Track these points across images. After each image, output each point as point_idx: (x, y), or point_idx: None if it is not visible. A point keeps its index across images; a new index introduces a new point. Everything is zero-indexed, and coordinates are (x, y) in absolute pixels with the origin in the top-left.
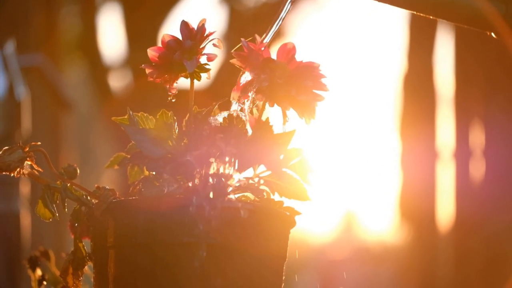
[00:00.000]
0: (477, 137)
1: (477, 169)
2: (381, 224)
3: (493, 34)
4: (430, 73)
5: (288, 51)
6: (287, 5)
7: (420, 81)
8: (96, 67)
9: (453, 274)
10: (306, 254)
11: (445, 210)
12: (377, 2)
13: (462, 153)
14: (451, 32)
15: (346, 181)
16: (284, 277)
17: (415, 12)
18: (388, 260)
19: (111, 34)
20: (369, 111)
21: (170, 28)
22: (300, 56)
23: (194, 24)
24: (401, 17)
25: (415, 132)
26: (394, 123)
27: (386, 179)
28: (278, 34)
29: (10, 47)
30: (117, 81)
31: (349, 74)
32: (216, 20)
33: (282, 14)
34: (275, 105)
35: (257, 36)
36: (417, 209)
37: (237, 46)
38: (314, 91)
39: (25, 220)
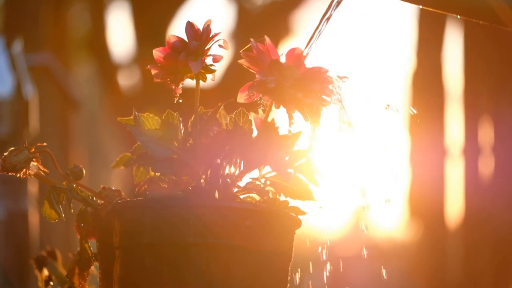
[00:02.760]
0: (486, 134)
1: (486, 165)
2: (391, 221)
3: None
4: (439, 70)
5: (297, 54)
6: (334, 5)
7: (429, 78)
8: (104, 65)
9: (462, 270)
10: (315, 251)
11: (454, 207)
12: None
13: (471, 150)
14: (460, 29)
15: (355, 178)
16: (289, 277)
17: (425, 7)
18: (398, 256)
19: (120, 32)
20: (377, 108)
21: (179, 25)
22: (309, 58)
23: (200, 25)
24: (410, 14)
25: (424, 129)
26: (403, 120)
27: (396, 176)
28: (287, 31)
29: (18, 46)
30: (125, 79)
31: (358, 71)
32: (224, 18)
33: (328, 13)
34: (281, 107)
35: (266, 38)
36: (427, 206)
37: (246, 47)
38: (321, 95)
39: (33, 218)
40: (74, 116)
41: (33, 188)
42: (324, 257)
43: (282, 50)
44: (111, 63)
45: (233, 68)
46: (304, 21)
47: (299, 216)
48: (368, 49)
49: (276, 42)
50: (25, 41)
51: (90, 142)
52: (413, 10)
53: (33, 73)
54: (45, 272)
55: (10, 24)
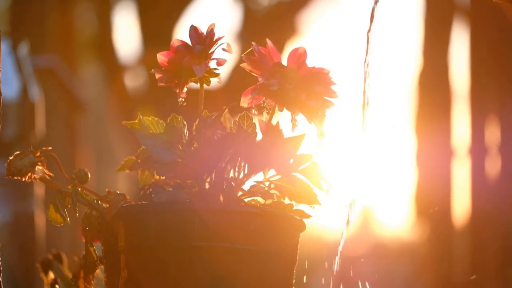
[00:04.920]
0: (493, 134)
1: (493, 165)
2: (398, 220)
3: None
4: (446, 69)
5: (299, 56)
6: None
7: (435, 77)
8: (111, 67)
9: (469, 270)
10: (322, 251)
11: (461, 206)
12: None
13: (478, 150)
14: (466, 28)
15: (362, 178)
16: (294, 281)
17: None
18: (405, 256)
19: (126, 34)
20: (385, 108)
21: (185, 26)
22: (312, 57)
23: (204, 28)
24: (416, 13)
25: (430, 129)
26: (410, 120)
27: (402, 176)
28: (293, 32)
29: (24, 48)
30: (131, 81)
31: (364, 71)
32: (230, 19)
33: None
34: (285, 109)
35: (268, 40)
36: (433, 205)
37: (248, 50)
38: (324, 97)
39: (40, 220)
40: (80, 118)
41: (39, 190)
42: (331, 257)
43: (288, 52)
44: (117, 64)
45: (240, 69)
46: (310, 22)
47: (304, 219)
48: (375, 48)
49: (282, 43)
50: (31, 44)
51: (96, 144)
52: (419, 10)
53: (39, 76)
54: (51, 275)
55: (16, 27)
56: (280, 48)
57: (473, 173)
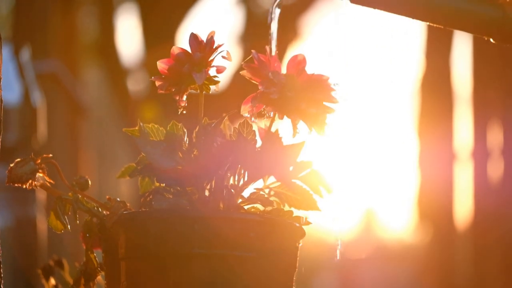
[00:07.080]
0: (495, 137)
1: (495, 168)
2: (400, 223)
3: (491, 40)
4: (448, 73)
5: (298, 63)
6: (274, 10)
7: (438, 81)
8: (113, 71)
9: (472, 272)
10: (325, 253)
11: (463, 209)
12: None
13: (480, 153)
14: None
15: (365, 181)
16: (294, 287)
17: (420, 21)
18: (407, 258)
19: (128, 38)
20: (387, 111)
21: (187, 30)
22: (313, 64)
23: (204, 36)
24: None
25: (433, 132)
26: (412, 123)
27: (405, 179)
28: (295, 35)
29: (26, 53)
30: (134, 85)
31: (367, 74)
32: (232, 23)
33: (271, 20)
34: (285, 117)
35: (267, 48)
36: (436, 208)
37: (248, 58)
38: (324, 103)
39: (42, 225)
40: (82, 122)
41: (41, 195)
42: (334, 260)
43: (290, 55)
44: (119, 69)
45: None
46: (312, 24)
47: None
48: (378, 53)
49: (284, 46)
50: (33, 48)
51: (99, 148)
52: None
53: (41, 80)
54: (52, 281)
55: (18, 31)
56: (282, 51)
57: (476, 176)
